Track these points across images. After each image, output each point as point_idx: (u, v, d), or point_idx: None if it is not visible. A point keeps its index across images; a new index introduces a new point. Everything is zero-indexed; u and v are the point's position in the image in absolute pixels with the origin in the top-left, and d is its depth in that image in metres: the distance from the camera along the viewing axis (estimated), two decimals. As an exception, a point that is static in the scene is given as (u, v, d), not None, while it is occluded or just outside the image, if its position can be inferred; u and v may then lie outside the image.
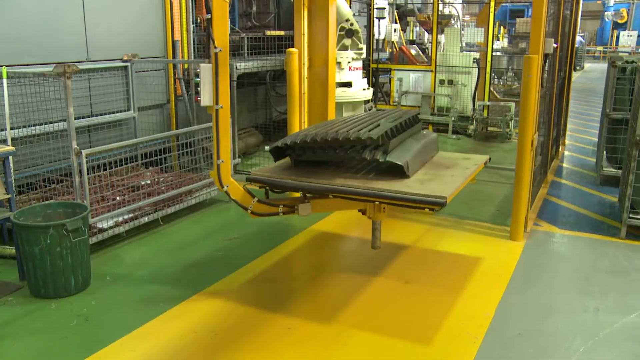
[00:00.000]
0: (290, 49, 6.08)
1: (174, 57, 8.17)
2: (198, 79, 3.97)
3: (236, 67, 8.07)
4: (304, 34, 6.07)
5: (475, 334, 4.07)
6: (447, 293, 4.67)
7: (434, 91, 11.55)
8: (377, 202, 4.22)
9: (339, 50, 8.27)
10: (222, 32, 3.91)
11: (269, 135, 10.06)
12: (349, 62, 8.48)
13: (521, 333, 4.10)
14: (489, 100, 11.09)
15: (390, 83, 12.65)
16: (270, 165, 4.65)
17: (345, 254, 5.65)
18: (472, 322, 4.21)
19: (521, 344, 3.97)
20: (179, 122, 8.34)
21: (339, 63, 8.29)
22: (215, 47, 3.89)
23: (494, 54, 11.36)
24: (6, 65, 5.70)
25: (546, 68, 5.99)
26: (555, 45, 6.27)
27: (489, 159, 5.06)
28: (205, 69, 3.95)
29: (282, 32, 9.76)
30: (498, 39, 20.27)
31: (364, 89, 8.73)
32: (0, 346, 3.89)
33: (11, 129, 5.65)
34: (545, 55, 5.73)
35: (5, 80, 5.54)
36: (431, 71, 11.56)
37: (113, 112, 7.30)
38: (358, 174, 4.31)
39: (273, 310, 4.38)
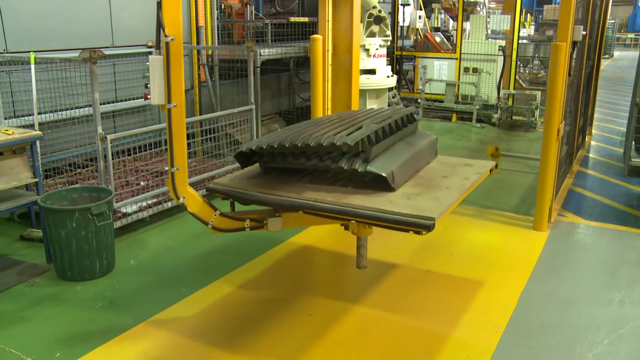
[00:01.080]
0: (314, 36, 6.04)
1: (198, 43, 8.19)
2: (147, 74, 3.48)
3: (260, 54, 8.07)
4: (328, 20, 6.03)
5: (497, 323, 4.04)
6: (468, 283, 4.65)
7: (459, 79, 11.43)
8: (353, 221, 3.63)
9: (367, 37, 8.27)
10: (174, 18, 3.43)
11: (293, 122, 10.05)
12: (377, 49, 8.46)
13: (544, 324, 4.07)
14: (514, 89, 10.95)
15: (414, 71, 12.55)
16: (236, 173, 4.09)
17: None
18: (494, 312, 4.19)
19: (543, 335, 3.94)
20: (202, 107, 8.38)
21: (367, 50, 8.30)
22: (166, 36, 3.39)
23: (520, 41, 11.20)
24: (34, 51, 5.77)
25: (574, 56, 5.89)
26: (584, 33, 6.16)
27: (496, 166, 4.40)
28: (155, 62, 3.43)
29: (306, 19, 9.72)
30: (524, 27, 19.96)
31: (388, 77, 8.66)
32: (28, 327, 3.97)
33: (38, 114, 5.73)
34: (574, 43, 5.63)
35: (33, 66, 5.61)
36: (456, 59, 11.44)
37: (137, 98, 7.36)
38: (335, 185, 3.71)
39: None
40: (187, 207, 3.74)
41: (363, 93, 8.18)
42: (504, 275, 4.78)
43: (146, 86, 3.51)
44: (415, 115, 4.36)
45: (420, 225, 3.16)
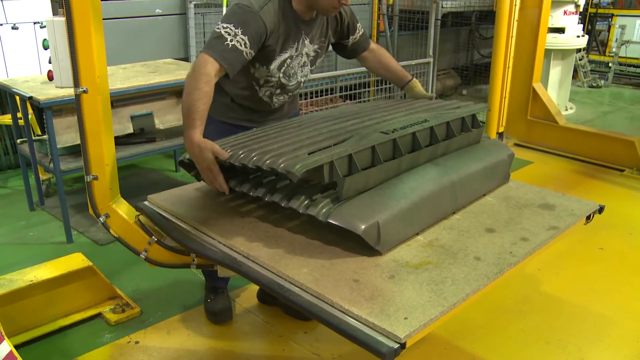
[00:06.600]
0: (502, -11, 5.74)
1: (379, -8, 8.18)
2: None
3: (442, 5, 7.87)
4: (519, -27, 5.69)
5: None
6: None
7: (663, 42, 10.29)
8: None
9: (573, -9, 7.88)
10: None
11: (468, 79, 9.79)
12: (579, 5, 8.01)
13: None
14: None
15: (609, 31, 11.50)
16: (190, 185, 2.81)
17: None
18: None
19: None
20: (378, 58, 8.41)
21: (578, 6, 7.94)
22: None
23: None
24: (228, -6, 6.15)
25: None
26: None
27: (600, 210, 2.61)
28: (56, 27, 2.41)
29: (494, -30, 9.26)
30: None
31: (578, 36, 8.05)
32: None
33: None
34: None
35: (224, 8, 5.98)
36: (663, 19, 10.28)
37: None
38: (299, 227, 2.33)
39: None
40: (110, 230, 2.79)
41: (548, 53, 7.72)
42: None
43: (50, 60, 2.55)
44: (479, 121, 2.83)
45: (371, 348, 1.72)
